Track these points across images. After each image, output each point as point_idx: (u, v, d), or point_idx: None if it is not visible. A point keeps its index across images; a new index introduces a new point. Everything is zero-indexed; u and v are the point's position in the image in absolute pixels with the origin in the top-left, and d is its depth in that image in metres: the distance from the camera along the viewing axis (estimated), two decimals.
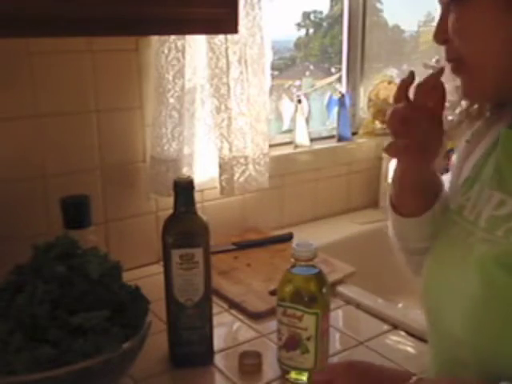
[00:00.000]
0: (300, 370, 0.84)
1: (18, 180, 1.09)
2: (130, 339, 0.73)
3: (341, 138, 1.63)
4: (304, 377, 0.84)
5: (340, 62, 1.74)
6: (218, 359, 0.91)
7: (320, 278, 0.83)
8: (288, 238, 1.38)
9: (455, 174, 0.77)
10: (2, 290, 0.76)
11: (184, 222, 0.86)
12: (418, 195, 0.75)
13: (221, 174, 1.31)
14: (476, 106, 0.73)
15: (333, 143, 1.63)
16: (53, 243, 0.81)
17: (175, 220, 0.86)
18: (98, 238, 0.95)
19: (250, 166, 1.34)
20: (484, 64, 0.63)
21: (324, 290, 0.82)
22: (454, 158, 0.80)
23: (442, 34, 0.65)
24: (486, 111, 0.72)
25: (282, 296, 0.83)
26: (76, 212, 0.92)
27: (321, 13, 1.83)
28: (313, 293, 0.81)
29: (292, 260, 0.82)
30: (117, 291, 0.78)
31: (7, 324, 0.70)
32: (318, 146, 1.59)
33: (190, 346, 0.88)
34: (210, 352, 0.91)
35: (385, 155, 1.64)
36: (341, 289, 1.14)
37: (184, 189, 0.85)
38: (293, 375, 0.85)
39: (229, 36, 1.23)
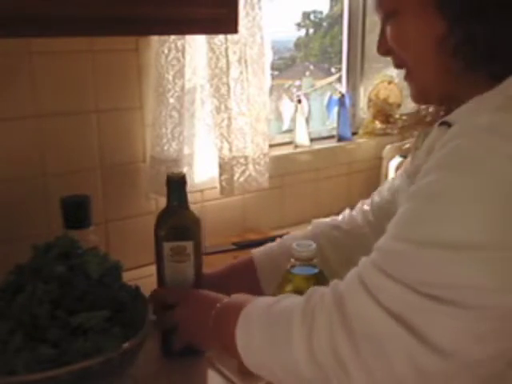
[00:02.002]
0: None
1: (18, 180, 1.09)
2: (130, 339, 0.73)
3: (341, 138, 1.63)
4: None
5: (340, 62, 1.74)
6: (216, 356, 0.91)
7: (320, 277, 0.83)
8: None
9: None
10: (2, 290, 0.76)
11: (176, 216, 0.88)
12: None
13: (221, 174, 1.31)
14: (430, 110, 0.78)
15: (333, 143, 1.63)
16: (53, 243, 0.81)
17: (168, 214, 0.88)
18: (98, 238, 0.95)
19: (250, 166, 1.34)
20: (423, 67, 0.68)
21: None
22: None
23: (383, 47, 0.71)
24: (439, 116, 0.76)
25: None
26: (76, 212, 0.92)
27: (321, 13, 1.83)
28: None
29: (292, 260, 0.82)
30: (117, 291, 0.79)
31: (7, 324, 0.70)
32: (317, 145, 1.59)
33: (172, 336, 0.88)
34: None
35: (385, 155, 1.64)
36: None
37: (176, 184, 0.88)
38: None
39: (229, 36, 1.23)
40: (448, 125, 0.62)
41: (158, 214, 0.89)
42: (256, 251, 0.97)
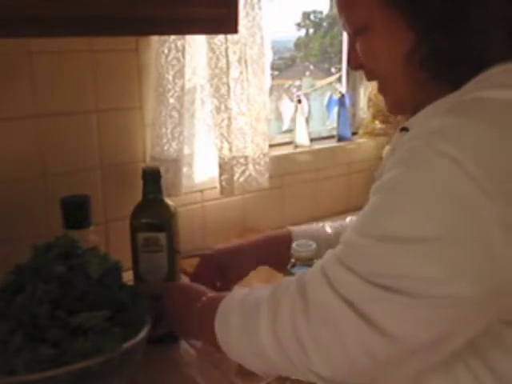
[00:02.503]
0: None
1: (18, 180, 1.09)
2: (130, 339, 0.73)
3: (341, 138, 1.63)
4: None
5: (340, 62, 1.74)
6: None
7: None
8: None
9: None
10: (2, 290, 0.76)
11: (151, 208, 0.92)
12: None
13: (221, 174, 1.31)
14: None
15: (333, 143, 1.63)
16: (53, 243, 0.81)
17: (143, 206, 0.92)
18: (98, 238, 0.95)
19: (250, 166, 1.34)
20: (394, 80, 0.71)
21: None
22: None
23: (354, 62, 0.74)
24: None
25: None
26: (76, 212, 0.92)
27: (321, 13, 1.83)
28: None
29: (292, 260, 0.82)
30: (117, 291, 0.78)
31: (7, 324, 0.70)
32: (317, 145, 1.59)
33: (156, 324, 0.89)
34: (175, 332, 0.93)
35: (385, 155, 1.64)
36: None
37: (151, 177, 0.92)
38: None
39: (229, 36, 1.23)
40: (407, 130, 0.66)
41: (134, 206, 0.93)
42: (294, 227, 1.03)
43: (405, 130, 0.67)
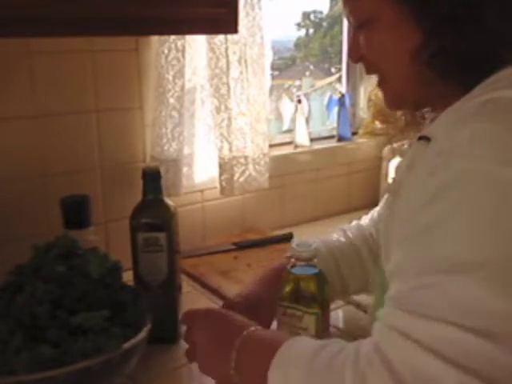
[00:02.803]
0: None
1: (18, 180, 1.09)
2: (130, 339, 0.73)
3: (341, 138, 1.63)
4: None
5: (340, 62, 1.74)
6: None
7: (320, 277, 0.83)
8: (288, 237, 1.38)
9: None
10: (2, 290, 0.76)
11: (150, 208, 0.92)
12: None
13: (221, 174, 1.31)
14: (403, 117, 0.80)
15: (333, 143, 1.63)
16: (53, 243, 0.81)
17: (143, 206, 0.92)
18: (98, 238, 0.95)
19: (250, 166, 1.34)
20: (397, 76, 0.69)
21: (324, 290, 0.82)
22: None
23: (355, 54, 0.72)
24: (416, 121, 0.79)
25: (281, 296, 0.83)
26: (76, 212, 0.92)
27: (321, 13, 1.83)
28: (313, 293, 0.81)
29: (292, 260, 0.82)
30: (117, 291, 0.79)
31: (7, 324, 0.70)
32: (317, 146, 1.59)
33: (156, 324, 0.89)
34: (175, 331, 0.94)
35: (385, 155, 1.64)
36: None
37: (151, 177, 0.92)
38: None
39: (229, 36, 1.23)
40: (427, 139, 0.63)
41: (134, 206, 0.92)
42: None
43: (424, 138, 0.64)
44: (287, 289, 0.82)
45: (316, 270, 0.82)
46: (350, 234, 0.96)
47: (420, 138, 0.66)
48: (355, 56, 0.72)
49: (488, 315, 0.50)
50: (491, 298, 0.50)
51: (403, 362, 0.51)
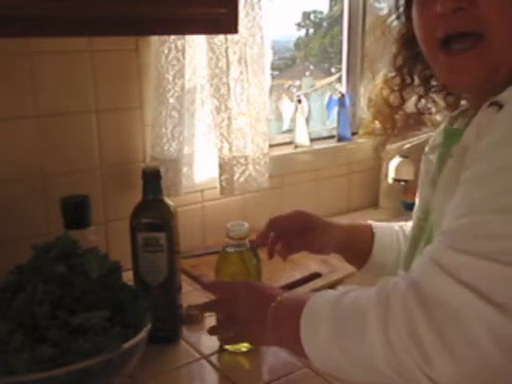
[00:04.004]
0: None
1: (17, 180, 1.09)
2: (130, 339, 0.73)
3: (341, 138, 1.63)
4: (243, 347, 0.90)
5: (340, 62, 1.74)
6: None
7: (249, 254, 0.91)
8: None
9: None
10: (2, 289, 0.76)
11: (151, 208, 0.92)
12: None
13: (221, 174, 1.31)
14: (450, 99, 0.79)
15: (333, 143, 1.63)
16: (53, 243, 0.81)
17: (143, 206, 0.93)
18: (98, 238, 0.95)
19: (250, 166, 1.34)
20: (508, 32, 0.61)
21: (255, 262, 0.91)
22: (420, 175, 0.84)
23: (456, 2, 0.62)
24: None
25: (220, 275, 0.91)
26: (76, 212, 0.92)
27: (321, 13, 1.83)
28: (247, 267, 0.90)
29: (226, 239, 0.90)
30: (117, 291, 0.79)
31: (7, 324, 0.70)
32: (317, 146, 1.59)
33: (156, 324, 0.89)
34: (175, 331, 0.95)
35: (385, 155, 1.64)
36: (340, 289, 1.14)
37: (151, 177, 0.92)
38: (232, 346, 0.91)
39: (229, 36, 1.23)
40: (499, 106, 0.59)
41: (134, 207, 0.93)
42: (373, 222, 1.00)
43: (495, 104, 0.60)
44: (222, 265, 0.92)
45: (247, 246, 0.91)
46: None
47: (490, 105, 0.62)
48: (455, 3, 0.62)
49: None
50: None
51: (431, 284, 0.54)
